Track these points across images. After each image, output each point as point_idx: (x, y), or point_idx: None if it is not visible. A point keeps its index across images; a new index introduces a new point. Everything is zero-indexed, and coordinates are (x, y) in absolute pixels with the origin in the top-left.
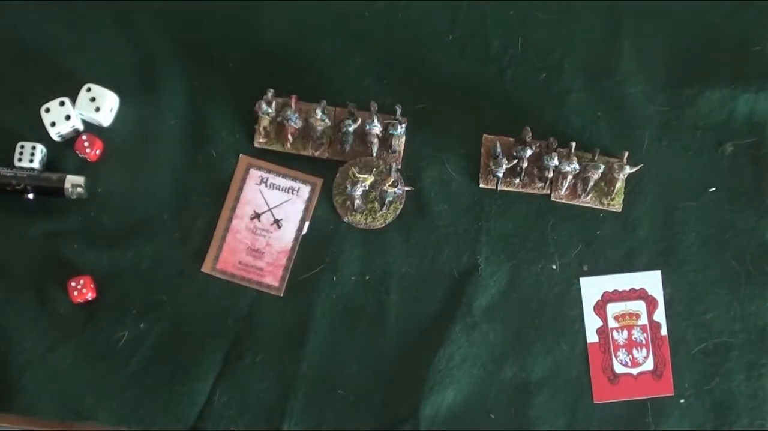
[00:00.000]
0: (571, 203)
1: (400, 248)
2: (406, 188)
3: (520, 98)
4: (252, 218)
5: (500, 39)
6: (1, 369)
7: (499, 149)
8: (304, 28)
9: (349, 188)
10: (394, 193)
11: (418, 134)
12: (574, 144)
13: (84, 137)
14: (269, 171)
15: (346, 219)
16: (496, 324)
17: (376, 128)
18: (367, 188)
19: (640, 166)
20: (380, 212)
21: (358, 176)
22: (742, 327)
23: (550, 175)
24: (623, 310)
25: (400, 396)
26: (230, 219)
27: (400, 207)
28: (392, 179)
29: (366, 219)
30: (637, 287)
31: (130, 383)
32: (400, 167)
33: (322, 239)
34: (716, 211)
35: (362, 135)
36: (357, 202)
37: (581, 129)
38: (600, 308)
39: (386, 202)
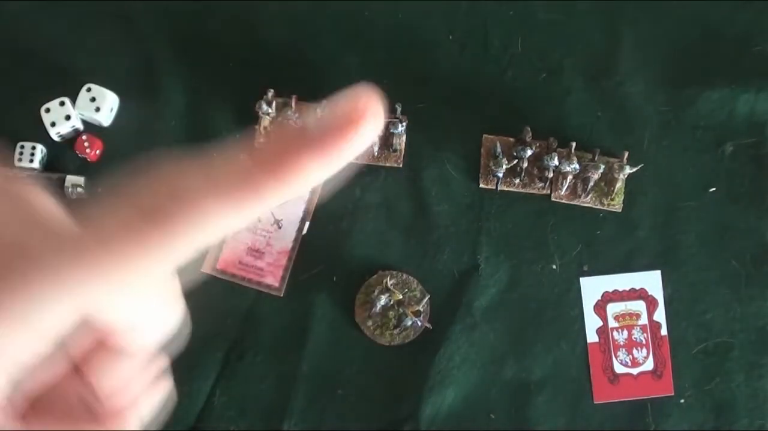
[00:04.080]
0: (571, 203)
1: (400, 249)
2: (426, 325)
3: (520, 98)
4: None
5: (500, 39)
6: None
7: (499, 149)
8: (304, 28)
9: (376, 292)
10: (414, 321)
11: (418, 133)
12: (574, 144)
13: (84, 137)
14: None
15: (357, 319)
16: (496, 324)
17: None
18: (391, 302)
19: (640, 166)
20: (389, 331)
21: (390, 287)
22: (742, 327)
23: (550, 175)
24: (623, 310)
25: (400, 396)
26: None
27: (410, 338)
28: (418, 308)
29: (373, 329)
30: (637, 287)
31: None
32: (401, 164)
33: (322, 240)
34: (716, 211)
35: None
36: (375, 309)
37: (581, 129)
38: (600, 308)
39: (401, 325)
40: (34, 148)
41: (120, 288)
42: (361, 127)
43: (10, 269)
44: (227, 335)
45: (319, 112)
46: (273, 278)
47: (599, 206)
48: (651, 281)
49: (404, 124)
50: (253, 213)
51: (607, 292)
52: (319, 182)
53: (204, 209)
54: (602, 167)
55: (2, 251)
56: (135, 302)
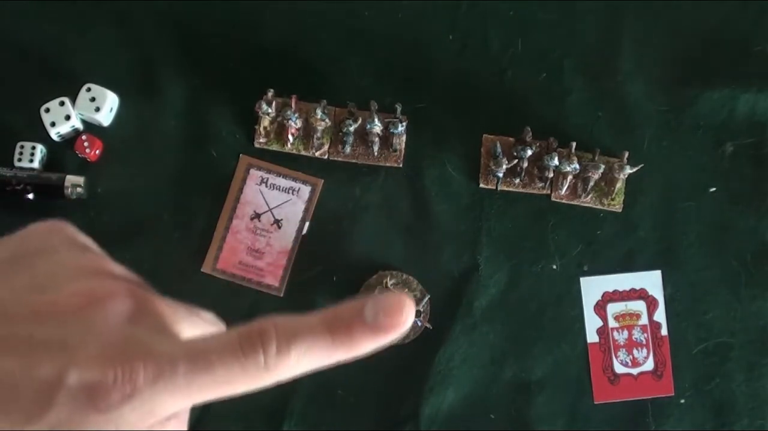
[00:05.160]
0: (572, 203)
1: (400, 249)
2: (426, 325)
3: (520, 98)
4: (252, 219)
5: (500, 39)
6: None
7: (499, 149)
8: (304, 28)
9: (376, 292)
10: (414, 321)
11: (418, 133)
12: (574, 144)
13: (84, 137)
14: (269, 171)
15: None
16: (496, 324)
17: (377, 127)
18: None
19: (640, 166)
20: None
21: (390, 287)
22: (742, 327)
23: (551, 175)
24: (623, 310)
25: (400, 397)
26: (230, 219)
27: (410, 338)
28: (418, 308)
29: None
30: (637, 287)
31: None
32: (401, 164)
33: (322, 240)
34: (716, 211)
35: (363, 135)
36: None
37: (581, 129)
38: (600, 308)
39: None
40: (34, 148)
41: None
42: (402, 329)
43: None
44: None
45: (319, 112)
46: (273, 278)
47: (599, 206)
48: (651, 281)
49: (404, 124)
50: (319, 365)
51: (607, 292)
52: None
53: (292, 358)
54: (602, 167)
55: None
56: None
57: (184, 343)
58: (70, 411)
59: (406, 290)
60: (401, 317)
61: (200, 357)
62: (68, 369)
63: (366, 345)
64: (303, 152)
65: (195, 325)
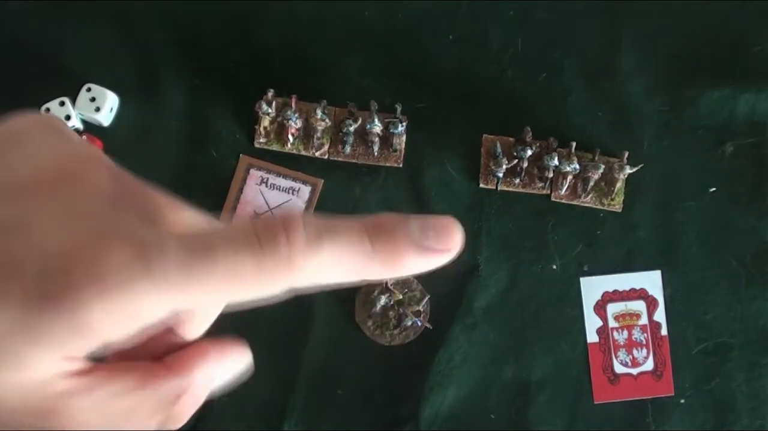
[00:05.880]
0: (571, 203)
1: None
2: (426, 325)
3: (520, 98)
4: (252, 219)
5: (500, 39)
6: None
7: (499, 149)
8: (304, 28)
9: (376, 292)
10: (414, 321)
11: (418, 133)
12: (574, 144)
13: (84, 137)
14: (269, 171)
15: (357, 319)
16: (496, 324)
17: (377, 127)
18: (391, 302)
19: (640, 166)
20: (389, 331)
21: (391, 287)
22: (742, 327)
23: (550, 175)
24: (623, 310)
25: (400, 397)
26: (230, 219)
27: (410, 338)
28: (418, 308)
29: (373, 329)
30: (637, 287)
31: None
32: (401, 164)
33: None
34: (716, 211)
35: (363, 135)
36: (375, 309)
37: (581, 129)
38: (600, 308)
39: (401, 325)
40: None
41: (221, 301)
42: (449, 256)
43: (130, 262)
44: (227, 335)
45: (319, 112)
46: None
47: (599, 206)
48: (651, 281)
49: (404, 124)
50: (355, 280)
51: (607, 292)
52: (407, 274)
53: (324, 255)
54: (602, 167)
55: (132, 245)
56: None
57: (179, 228)
58: (23, 307)
59: (406, 290)
60: (451, 240)
61: (201, 243)
62: (26, 255)
63: (407, 265)
64: (303, 152)
65: (184, 215)
